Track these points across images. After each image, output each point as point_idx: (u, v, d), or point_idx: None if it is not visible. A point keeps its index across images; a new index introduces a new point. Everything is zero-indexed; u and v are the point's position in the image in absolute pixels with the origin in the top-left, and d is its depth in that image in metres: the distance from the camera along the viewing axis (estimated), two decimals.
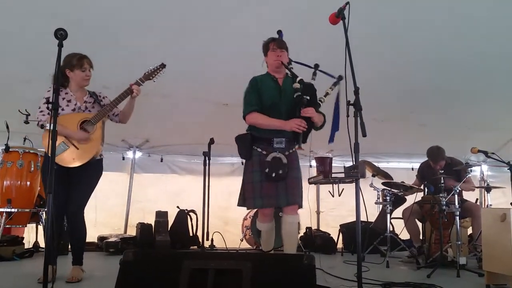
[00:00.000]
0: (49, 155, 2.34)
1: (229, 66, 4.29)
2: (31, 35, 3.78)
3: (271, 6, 3.70)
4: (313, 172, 5.82)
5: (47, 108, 3.06)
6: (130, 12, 3.76)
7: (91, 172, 3.17)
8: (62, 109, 3.08)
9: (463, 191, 4.67)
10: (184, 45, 4.12)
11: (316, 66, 3.05)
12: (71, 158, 3.04)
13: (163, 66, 3.25)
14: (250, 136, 3.02)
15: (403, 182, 4.83)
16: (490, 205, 5.05)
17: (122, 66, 4.00)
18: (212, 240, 4.83)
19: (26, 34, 3.81)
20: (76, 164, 3.05)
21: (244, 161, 3.15)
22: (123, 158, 6.05)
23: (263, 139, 3.00)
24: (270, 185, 2.93)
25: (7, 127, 4.22)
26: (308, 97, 2.89)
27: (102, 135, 3.17)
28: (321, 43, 3.87)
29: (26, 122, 3.67)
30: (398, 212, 4.90)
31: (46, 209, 3.15)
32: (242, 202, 3.08)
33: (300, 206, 3.05)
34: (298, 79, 2.93)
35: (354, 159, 2.35)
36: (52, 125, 2.31)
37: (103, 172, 3.29)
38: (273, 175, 2.89)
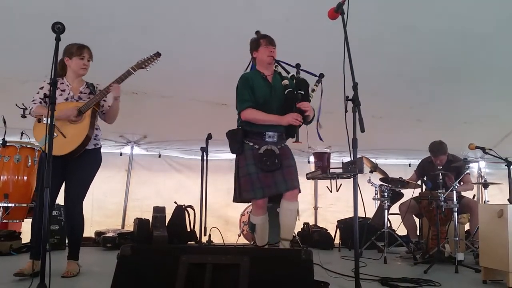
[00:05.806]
0: (45, 150, 2.32)
1: (227, 67, 4.28)
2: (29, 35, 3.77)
3: (270, 8, 3.68)
4: (312, 167, 5.82)
5: (41, 98, 3.04)
6: (130, 15, 3.75)
7: (87, 162, 3.11)
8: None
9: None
10: (182, 46, 4.11)
11: (298, 66, 3.10)
12: (58, 146, 2.93)
13: (158, 55, 3.14)
14: (241, 131, 3.07)
15: (400, 178, 4.83)
16: (487, 201, 5.05)
17: (120, 67, 4.02)
18: (209, 235, 4.82)
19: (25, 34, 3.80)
20: (63, 152, 2.97)
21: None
22: (121, 154, 6.05)
23: (254, 133, 3.06)
24: (266, 175, 3.00)
25: (4, 121, 4.19)
26: (303, 92, 2.96)
27: (91, 124, 3.05)
28: (321, 41, 3.86)
29: (23, 116, 3.64)
30: (396, 208, 4.91)
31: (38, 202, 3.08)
32: (238, 196, 3.11)
33: (299, 191, 3.13)
34: (290, 75, 3.01)
35: (352, 154, 2.36)
36: (49, 119, 2.30)
37: (100, 168, 3.22)
38: (268, 163, 2.96)
